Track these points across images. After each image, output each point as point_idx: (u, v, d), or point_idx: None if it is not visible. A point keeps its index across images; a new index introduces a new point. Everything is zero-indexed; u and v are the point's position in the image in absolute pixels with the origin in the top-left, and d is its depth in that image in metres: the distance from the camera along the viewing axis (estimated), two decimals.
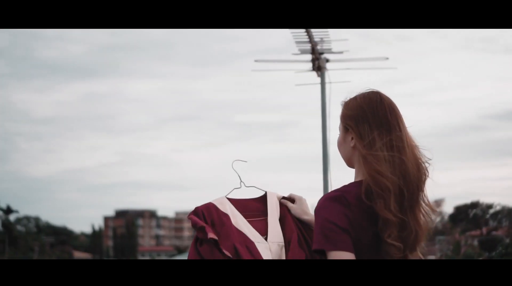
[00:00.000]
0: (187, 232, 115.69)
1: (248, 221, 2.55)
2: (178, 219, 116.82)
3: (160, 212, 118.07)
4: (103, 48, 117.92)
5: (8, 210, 61.92)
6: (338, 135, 2.34)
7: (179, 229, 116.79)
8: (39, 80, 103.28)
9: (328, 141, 5.95)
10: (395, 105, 2.28)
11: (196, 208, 2.53)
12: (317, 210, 2.16)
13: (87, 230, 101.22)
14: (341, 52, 6.29)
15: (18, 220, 75.55)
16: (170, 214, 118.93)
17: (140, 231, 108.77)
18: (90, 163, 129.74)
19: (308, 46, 6.11)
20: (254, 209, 2.61)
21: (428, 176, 2.23)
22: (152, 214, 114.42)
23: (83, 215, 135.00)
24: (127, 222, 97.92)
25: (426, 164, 2.24)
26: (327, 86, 6.16)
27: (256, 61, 6.57)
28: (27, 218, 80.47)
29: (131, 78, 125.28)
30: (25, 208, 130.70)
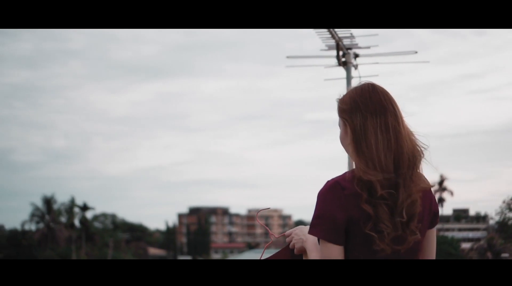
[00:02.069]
0: (259, 230, 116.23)
1: None
2: (250, 216, 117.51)
3: (233, 210, 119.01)
4: (176, 48, 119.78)
5: (85, 207, 63.77)
6: (339, 132, 2.44)
7: (251, 226, 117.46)
8: (114, 81, 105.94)
9: None
10: (389, 94, 2.38)
11: None
12: (318, 198, 2.30)
13: (162, 227, 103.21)
14: (368, 47, 6.35)
15: (96, 217, 77.65)
16: (243, 211, 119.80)
17: (213, 228, 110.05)
18: (164, 161, 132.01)
19: (332, 42, 6.20)
20: None
21: (423, 157, 2.34)
22: (224, 211, 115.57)
23: (157, 212, 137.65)
24: (200, 219, 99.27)
25: (422, 148, 2.34)
26: (356, 81, 6.21)
27: (288, 57, 6.71)
28: (104, 215, 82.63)
29: (203, 77, 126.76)
30: (102, 205, 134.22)
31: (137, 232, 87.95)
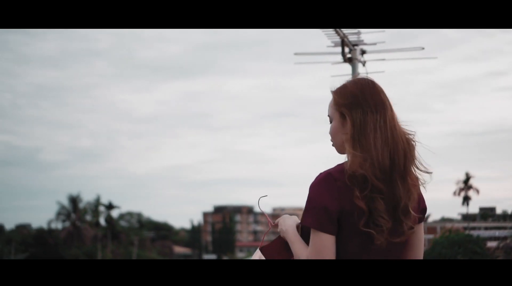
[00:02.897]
0: None
1: None
2: (275, 215, 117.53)
3: (257, 208, 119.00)
4: (200, 47, 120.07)
5: (110, 206, 64.31)
6: (331, 125, 2.46)
7: (277, 225, 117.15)
8: (139, 80, 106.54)
9: None
10: (384, 90, 2.44)
11: None
12: (310, 189, 2.34)
13: (187, 225, 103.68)
14: (374, 44, 6.33)
15: (122, 216, 78.30)
16: (268, 210, 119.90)
17: (238, 227, 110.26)
18: (189, 160, 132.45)
19: (338, 39, 6.18)
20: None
21: (415, 144, 2.39)
22: (249, 210, 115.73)
23: (183, 211, 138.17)
24: (225, 217, 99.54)
25: (412, 136, 2.40)
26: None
27: (295, 54, 6.70)
28: (130, 214, 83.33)
29: (228, 76, 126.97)
30: (128, 204, 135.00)
31: (162, 230, 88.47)
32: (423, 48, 6.35)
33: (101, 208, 63.67)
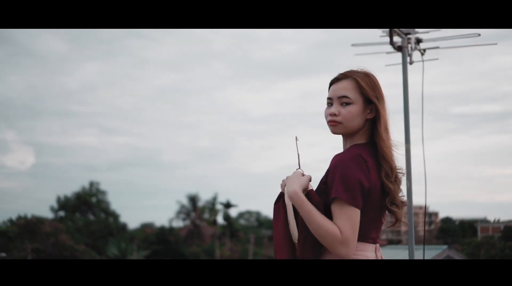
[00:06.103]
0: (404, 227, 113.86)
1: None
2: None
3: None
4: (315, 45, 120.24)
5: (228, 205, 65.67)
6: (349, 108, 2.61)
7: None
8: (256, 80, 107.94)
9: (411, 125, 5.92)
10: None
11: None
12: (342, 165, 2.49)
13: None
14: (427, 32, 6.29)
15: (241, 215, 79.67)
16: None
17: None
18: (307, 159, 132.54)
19: (387, 28, 6.21)
20: None
21: None
22: None
23: None
24: None
25: None
26: (418, 65, 6.24)
27: (353, 45, 6.77)
28: (249, 213, 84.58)
29: None
30: (247, 203, 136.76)
31: None
32: (479, 35, 6.26)
33: (219, 207, 65.17)
